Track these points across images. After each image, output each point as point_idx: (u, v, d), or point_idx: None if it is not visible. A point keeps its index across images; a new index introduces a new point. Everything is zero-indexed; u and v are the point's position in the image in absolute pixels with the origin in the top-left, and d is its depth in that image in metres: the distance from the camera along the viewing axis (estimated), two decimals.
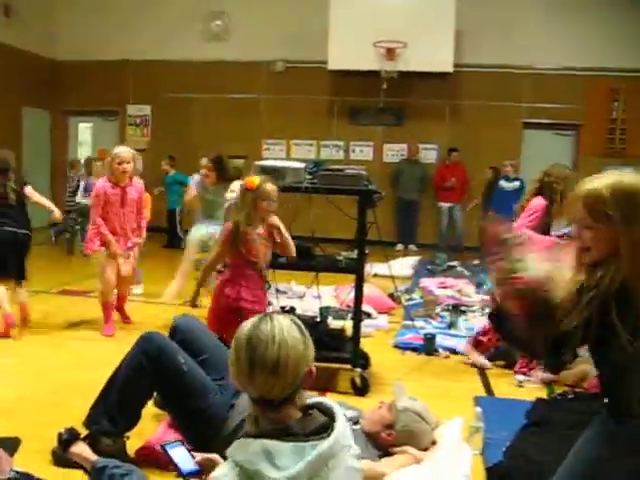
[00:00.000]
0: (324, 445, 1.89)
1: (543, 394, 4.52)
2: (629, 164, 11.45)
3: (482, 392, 4.71)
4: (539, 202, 4.94)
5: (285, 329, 1.99)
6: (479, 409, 3.75)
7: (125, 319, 6.21)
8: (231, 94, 12.80)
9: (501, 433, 3.77)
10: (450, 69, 11.57)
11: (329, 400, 2.14)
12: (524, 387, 4.79)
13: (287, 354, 1.94)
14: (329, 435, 1.92)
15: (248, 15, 12.60)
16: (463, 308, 6.85)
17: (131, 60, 12.95)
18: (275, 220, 4.23)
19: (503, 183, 10.88)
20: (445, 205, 12.01)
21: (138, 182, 5.94)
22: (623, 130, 12.12)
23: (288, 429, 1.93)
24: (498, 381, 4.91)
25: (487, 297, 7.32)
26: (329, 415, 2.02)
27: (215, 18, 12.86)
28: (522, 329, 2.01)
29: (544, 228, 4.87)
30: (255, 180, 4.16)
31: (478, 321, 6.43)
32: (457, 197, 12.02)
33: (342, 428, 1.97)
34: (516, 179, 10.80)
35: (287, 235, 4.29)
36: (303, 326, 2.04)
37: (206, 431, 2.97)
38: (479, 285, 7.90)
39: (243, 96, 12.81)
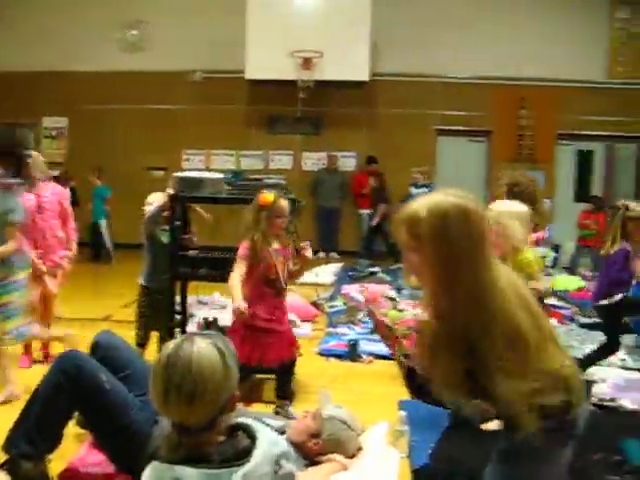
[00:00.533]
0: (239, 474, 1.83)
1: None
2: (538, 168, 11.87)
3: (406, 395, 4.73)
4: None
5: (205, 357, 1.91)
6: (403, 413, 3.78)
7: (46, 355, 5.17)
8: (149, 105, 12.56)
9: (426, 435, 3.81)
10: (366, 78, 11.68)
11: (255, 422, 2.09)
12: None
13: (204, 387, 1.87)
14: (247, 462, 1.86)
15: (166, 24, 12.41)
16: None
17: (46, 71, 12.53)
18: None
19: (412, 190, 10.95)
20: (365, 212, 12.10)
21: (56, 187, 5.21)
22: (531, 136, 12.50)
23: (203, 456, 1.86)
24: None
25: (410, 302, 7.41)
26: (253, 437, 1.97)
27: (132, 27, 12.62)
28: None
29: None
30: (269, 197, 4.09)
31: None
32: (375, 204, 12.09)
33: (263, 453, 1.91)
34: (424, 186, 10.84)
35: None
36: (227, 349, 1.98)
37: (130, 448, 2.86)
38: (399, 290, 7.98)
39: (162, 107, 12.60)
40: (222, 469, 1.84)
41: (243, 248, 4.13)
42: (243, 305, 3.89)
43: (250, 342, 4.08)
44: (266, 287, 4.13)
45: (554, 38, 12.01)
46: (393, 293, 7.69)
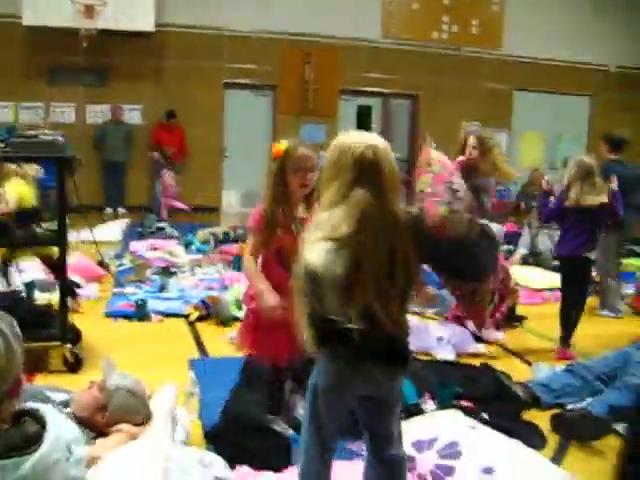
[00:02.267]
0: (27, 465, 1.69)
1: None
2: (321, 122, 12.17)
3: (197, 353, 4.70)
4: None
5: None
6: (192, 373, 3.73)
7: None
8: None
9: (217, 394, 3.79)
10: (151, 28, 11.19)
11: (44, 406, 1.93)
12: (236, 343, 4.84)
13: None
14: (36, 449, 1.73)
15: None
16: (173, 270, 6.77)
17: None
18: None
19: None
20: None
21: None
22: (315, 91, 12.72)
23: None
24: (212, 340, 4.93)
25: (197, 257, 7.34)
26: (42, 423, 1.82)
27: None
28: None
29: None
30: (281, 145, 3.23)
31: (189, 282, 6.40)
32: (176, 160, 11.74)
33: (53, 440, 1.77)
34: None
35: None
36: (11, 331, 1.79)
37: None
38: (188, 245, 7.87)
39: None
40: (8, 459, 1.69)
41: (254, 216, 3.25)
42: (275, 301, 3.02)
43: (274, 339, 3.17)
44: (282, 269, 3.03)
45: None
46: (181, 249, 7.57)
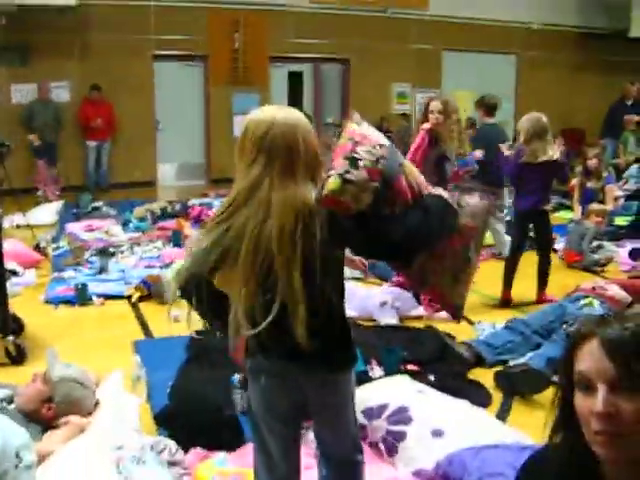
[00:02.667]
0: None
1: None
2: (252, 91, 12.02)
3: (141, 335, 4.63)
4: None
5: None
6: (137, 356, 3.67)
7: None
8: None
9: (164, 374, 3.75)
10: (72, 2, 10.76)
11: None
12: (180, 322, 4.77)
13: None
14: None
15: None
16: (112, 250, 6.61)
17: None
18: None
19: None
20: (92, 143, 11.35)
21: None
22: (245, 59, 12.52)
23: None
24: (155, 320, 4.85)
25: (135, 235, 7.19)
26: None
27: None
28: None
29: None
30: None
31: (128, 261, 6.28)
32: (105, 134, 11.42)
33: (1, 448, 1.71)
34: None
35: None
36: None
37: None
38: (126, 224, 7.71)
39: None
40: None
41: None
42: None
43: None
44: None
45: None
46: (118, 228, 7.41)
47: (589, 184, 8.23)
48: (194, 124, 12.44)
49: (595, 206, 7.60)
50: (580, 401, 1.19)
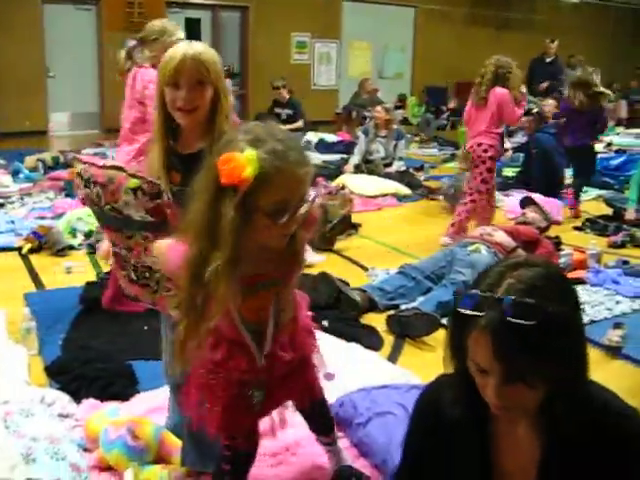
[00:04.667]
0: None
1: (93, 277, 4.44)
2: None
3: (33, 287, 4.45)
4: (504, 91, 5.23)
5: None
6: (27, 309, 3.54)
7: None
8: None
9: (56, 327, 3.64)
10: None
11: None
12: (73, 272, 4.64)
13: None
14: None
15: None
16: (1, 201, 6.31)
17: None
18: None
19: None
20: None
21: None
22: (141, 4, 12.02)
23: None
24: (47, 272, 4.68)
25: (26, 185, 6.89)
26: None
27: None
28: None
29: None
30: None
31: (19, 213, 6.01)
32: None
33: None
34: None
35: None
36: None
37: None
38: (16, 174, 7.35)
39: None
40: None
41: None
42: None
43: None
44: None
45: None
46: (8, 179, 7.06)
47: None
48: (87, 72, 11.91)
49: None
50: (474, 372, 1.29)
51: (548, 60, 11.16)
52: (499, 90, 5.25)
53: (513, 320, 1.18)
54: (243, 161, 1.50)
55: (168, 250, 1.75)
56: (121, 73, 3.94)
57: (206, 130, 1.98)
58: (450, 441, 1.44)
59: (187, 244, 1.61)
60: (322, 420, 2.32)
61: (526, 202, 5.68)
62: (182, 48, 1.96)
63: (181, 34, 3.86)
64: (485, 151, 5.31)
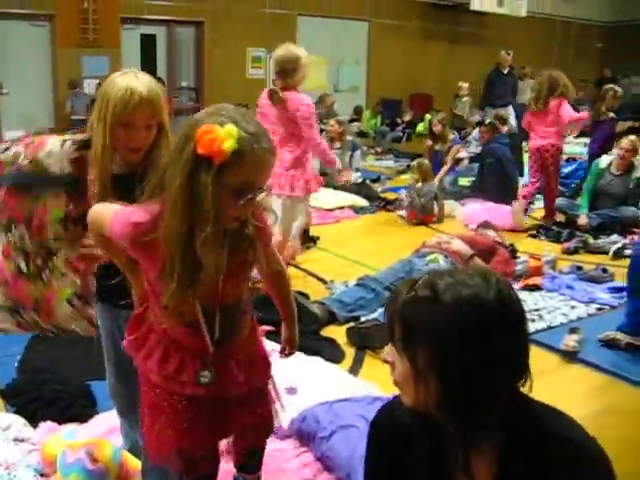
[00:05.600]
0: None
1: None
2: (103, 54, 11.44)
3: None
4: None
5: None
6: None
7: None
8: None
9: (11, 349, 3.54)
10: None
11: None
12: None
13: None
14: None
15: None
16: None
17: None
18: None
19: None
20: None
21: None
22: (95, 20, 11.87)
23: None
24: None
25: None
26: None
27: None
28: None
29: None
30: None
31: None
32: None
33: None
34: None
35: None
36: None
37: None
38: None
39: None
40: None
41: None
42: None
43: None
44: None
45: None
46: None
47: (437, 147, 8.51)
48: (42, 88, 11.70)
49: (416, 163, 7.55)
50: None
51: (504, 71, 11.26)
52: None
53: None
54: (224, 134, 1.50)
55: (114, 215, 1.67)
56: (278, 101, 4.52)
57: (144, 158, 1.99)
58: (406, 454, 1.42)
59: (166, 216, 1.57)
60: (255, 461, 2.16)
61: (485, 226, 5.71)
62: (136, 90, 1.90)
63: (304, 52, 4.57)
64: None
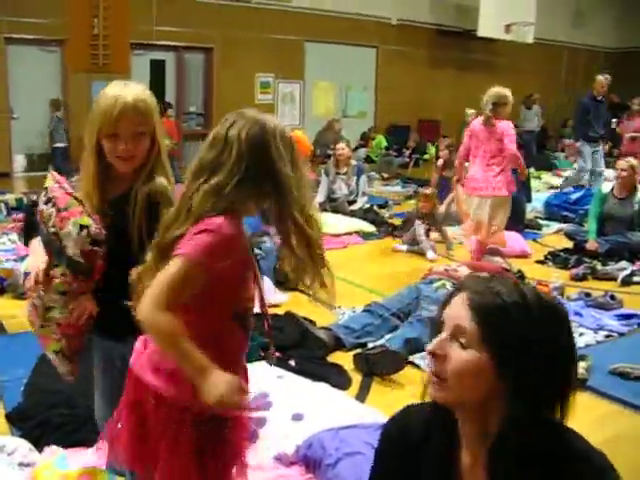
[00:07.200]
0: None
1: None
2: (113, 79, 11.51)
3: None
4: None
5: None
6: None
7: None
8: None
9: (18, 372, 3.54)
10: None
11: None
12: None
13: None
14: None
15: None
16: None
17: None
18: None
19: None
20: None
21: None
22: (105, 46, 12.01)
23: None
24: (10, 315, 4.57)
25: None
26: None
27: None
28: None
29: None
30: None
31: None
32: None
33: None
34: None
35: None
36: None
37: None
38: None
39: None
40: None
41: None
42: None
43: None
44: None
45: None
46: None
47: (444, 173, 8.55)
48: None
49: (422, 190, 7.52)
50: None
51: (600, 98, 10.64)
52: None
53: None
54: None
55: (193, 252, 1.58)
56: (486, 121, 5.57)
57: (137, 173, 1.99)
58: (416, 466, 1.42)
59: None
60: None
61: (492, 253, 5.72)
62: (121, 97, 1.93)
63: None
64: None
